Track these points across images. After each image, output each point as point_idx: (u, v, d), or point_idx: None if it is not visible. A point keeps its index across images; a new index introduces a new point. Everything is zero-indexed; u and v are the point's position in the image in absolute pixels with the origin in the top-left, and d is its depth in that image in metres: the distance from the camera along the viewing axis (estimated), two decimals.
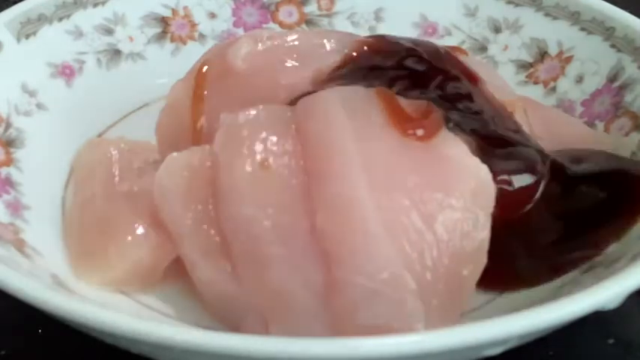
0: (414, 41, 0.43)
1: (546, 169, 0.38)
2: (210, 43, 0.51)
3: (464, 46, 0.51)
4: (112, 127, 0.48)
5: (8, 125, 0.42)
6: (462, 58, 0.42)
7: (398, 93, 0.38)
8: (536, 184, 0.38)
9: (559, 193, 0.38)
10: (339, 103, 0.36)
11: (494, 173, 0.35)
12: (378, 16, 0.53)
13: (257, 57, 0.41)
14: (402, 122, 0.35)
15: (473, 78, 0.41)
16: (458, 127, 0.36)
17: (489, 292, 0.37)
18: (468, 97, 0.39)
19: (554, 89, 0.49)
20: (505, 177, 0.37)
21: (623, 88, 0.45)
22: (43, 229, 0.39)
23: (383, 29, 0.52)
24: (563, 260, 0.37)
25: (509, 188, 0.37)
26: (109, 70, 0.50)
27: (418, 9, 0.53)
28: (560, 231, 0.38)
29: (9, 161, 0.41)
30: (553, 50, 0.49)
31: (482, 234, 0.34)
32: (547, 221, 0.38)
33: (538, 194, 0.38)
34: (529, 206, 0.38)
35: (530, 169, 0.38)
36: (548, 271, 0.37)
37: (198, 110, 0.40)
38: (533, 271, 0.37)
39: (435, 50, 0.42)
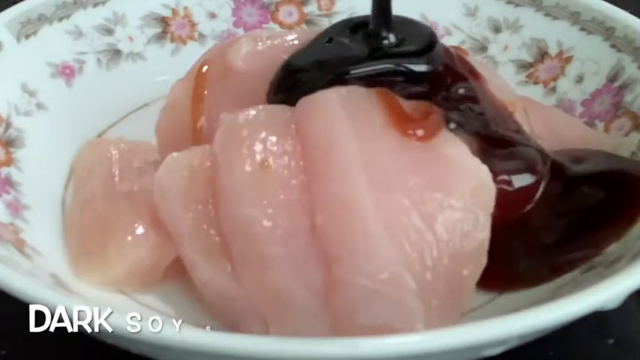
0: None
1: (547, 169, 0.38)
2: (210, 43, 0.51)
3: (464, 46, 0.50)
4: (112, 127, 0.48)
5: (8, 125, 0.42)
6: None
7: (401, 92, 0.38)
8: (537, 184, 0.38)
9: (559, 193, 0.38)
10: (339, 103, 0.36)
11: (495, 173, 0.35)
12: None
13: (257, 57, 0.41)
14: (402, 122, 0.35)
15: (476, 77, 0.41)
16: (460, 127, 0.36)
17: (489, 292, 0.37)
18: (472, 97, 0.39)
19: (554, 89, 0.49)
20: (505, 177, 0.37)
21: (623, 88, 0.45)
22: (43, 229, 0.39)
23: None
24: (563, 260, 0.37)
25: (509, 188, 0.37)
26: (109, 70, 0.50)
27: (418, 9, 0.53)
28: (560, 231, 0.38)
29: (9, 161, 0.41)
30: (553, 50, 0.49)
31: (483, 234, 0.34)
32: (547, 221, 0.38)
33: (538, 194, 0.38)
34: (529, 206, 0.38)
35: (530, 168, 0.38)
36: (548, 271, 0.37)
37: (198, 110, 0.40)
38: (533, 271, 0.37)
39: (445, 49, 0.41)
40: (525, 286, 0.37)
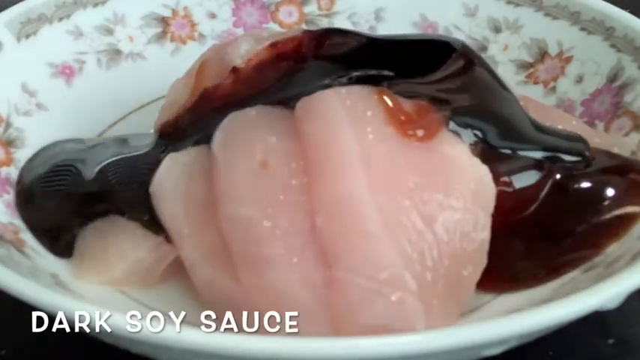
0: None
1: (556, 166, 0.38)
2: (210, 43, 0.51)
3: None
4: (112, 127, 0.48)
5: (8, 125, 0.42)
6: None
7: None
8: (540, 183, 0.38)
9: (560, 193, 0.38)
10: (339, 103, 0.36)
11: (496, 173, 0.35)
12: (378, 16, 0.53)
13: None
14: (402, 122, 0.35)
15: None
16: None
17: (489, 292, 0.37)
18: None
19: (554, 89, 0.49)
20: (506, 178, 0.37)
21: (623, 88, 0.45)
22: None
23: (383, 29, 0.52)
24: (563, 260, 0.37)
25: (510, 189, 0.37)
26: (109, 70, 0.50)
27: (418, 9, 0.53)
28: (561, 231, 0.38)
29: (9, 161, 0.41)
30: (553, 50, 0.49)
31: (483, 235, 0.34)
32: (547, 221, 0.38)
33: (541, 194, 0.38)
34: (531, 207, 0.38)
35: (537, 167, 0.38)
36: (548, 271, 0.36)
37: None
38: (533, 272, 0.37)
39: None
40: (525, 286, 0.37)
